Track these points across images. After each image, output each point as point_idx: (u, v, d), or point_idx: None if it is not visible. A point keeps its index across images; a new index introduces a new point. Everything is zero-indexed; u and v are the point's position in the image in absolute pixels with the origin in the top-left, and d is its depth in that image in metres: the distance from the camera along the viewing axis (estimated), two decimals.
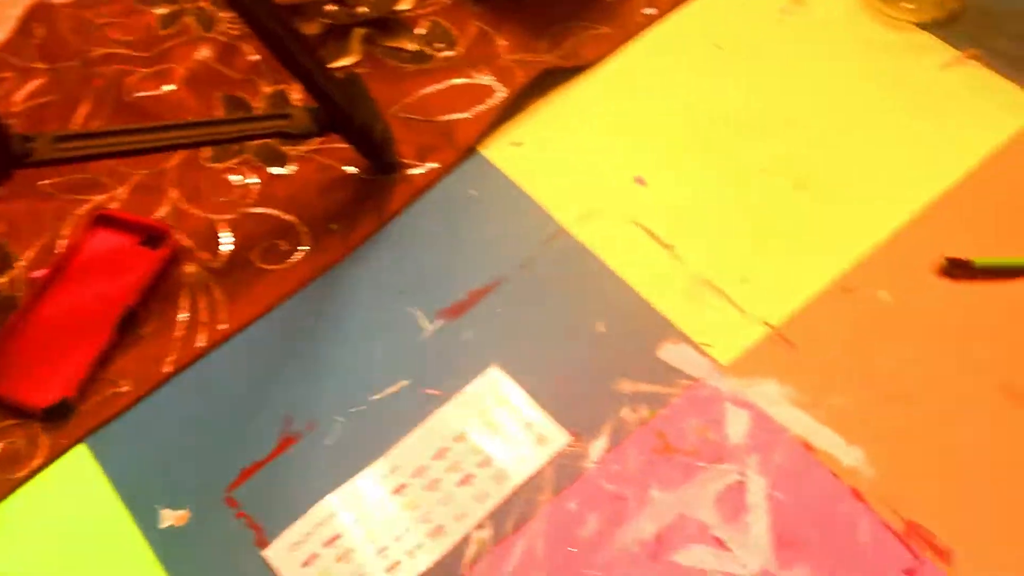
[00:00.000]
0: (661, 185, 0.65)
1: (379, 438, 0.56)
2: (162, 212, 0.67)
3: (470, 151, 0.68)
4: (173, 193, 0.68)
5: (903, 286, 0.59)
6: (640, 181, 0.65)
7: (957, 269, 0.59)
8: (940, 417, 0.54)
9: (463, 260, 0.63)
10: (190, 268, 0.64)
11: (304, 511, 0.54)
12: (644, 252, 0.62)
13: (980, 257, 0.59)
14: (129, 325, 0.62)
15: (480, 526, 0.53)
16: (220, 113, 0.72)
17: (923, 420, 0.54)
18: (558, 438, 0.55)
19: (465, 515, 0.53)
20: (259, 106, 0.72)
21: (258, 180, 0.68)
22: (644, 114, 0.69)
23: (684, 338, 0.58)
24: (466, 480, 0.54)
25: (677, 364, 0.57)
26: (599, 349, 0.58)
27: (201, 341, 0.61)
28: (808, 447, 0.54)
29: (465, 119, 0.68)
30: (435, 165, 0.67)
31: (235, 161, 0.69)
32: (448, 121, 0.69)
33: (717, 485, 0.53)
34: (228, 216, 0.67)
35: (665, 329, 0.59)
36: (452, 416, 0.57)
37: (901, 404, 0.55)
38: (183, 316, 0.62)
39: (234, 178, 0.68)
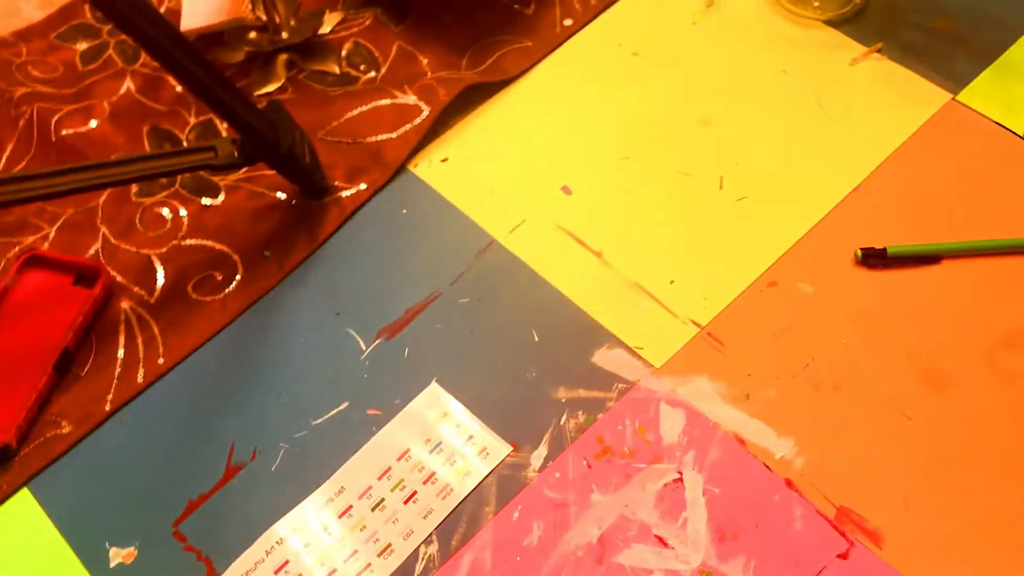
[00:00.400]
0: (587, 193, 0.66)
1: (323, 461, 0.57)
2: (93, 250, 0.67)
3: (399, 170, 0.69)
4: (104, 230, 0.68)
5: (824, 278, 0.61)
6: (566, 190, 0.67)
7: (872, 259, 0.61)
8: (865, 403, 0.56)
9: (398, 278, 0.64)
10: (125, 304, 0.64)
11: (253, 540, 0.54)
12: (574, 260, 0.64)
13: (893, 246, 0.61)
14: (67, 365, 0.62)
15: (428, 542, 0.54)
16: (147, 147, 0.72)
17: (849, 407, 0.56)
18: (499, 450, 0.56)
19: (412, 532, 0.54)
20: (187, 137, 0.72)
21: (188, 212, 0.68)
22: (567, 124, 0.70)
23: (618, 342, 0.60)
24: (411, 498, 0.55)
25: (612, 368, 0.59)
26: (536, 358, 0.60)
27: (140, 377, 0.61)
28: (741, 441, 0.56)
29: (392, 139, 0.69)
30: (364, 186, 0.68)
31: (165, 194, 0.69)
32: (376, 142, 0.69)
33: (656, 485, 0.55)
34: (161, 250, 0.67)
35: (599, 335, 0.60)
36: (394, 434, 0.57)
37: (827, 393, 0.57)
38: (121, 353, 0.62)
39: (164, 211, 0.68)
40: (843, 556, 0.51)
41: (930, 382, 0.57)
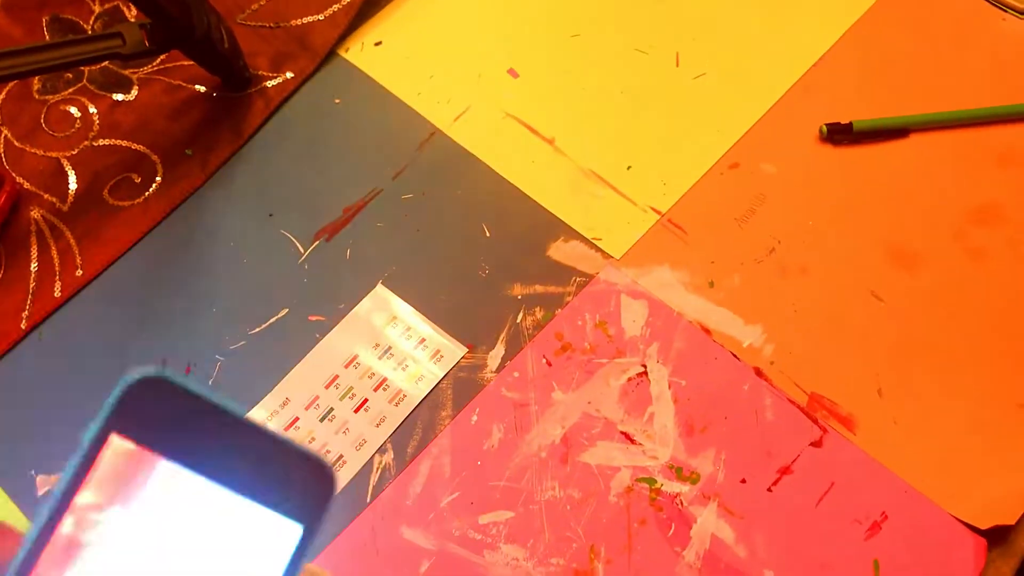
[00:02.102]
0: (535, 76, 0.62)
1: (264, 373, 0.53)
2: None
3: (329, 56, 0.63)
4: (5, 132, 0.61)
5: (787, 157, 0.58)
6: (513, 73, 0.62)
7: (837, 135, 0.58)
8: (834, 286, 0.54)
9: (334, 174, 0.59)
10: (36, 213, 0.59)
11: None
12: (525, 148, 0.59)
13: (859, 120, 0.58)
14: None
15: (382, 451, 0.51)
16: (47, 38, 0.65)
17: (817, 290, 0.54)
18: (454, 352, 0.53)
19: (365, 442, 0.51)
20: (92, 27, 0.65)
21: (99, 110, 0.62)
22: (511, 1, 0.65)
23: (574, 234, 0.56)
24: (362, 406, 0.52)
25: (569, 262, 0.56)
26: (488, 254, 0.56)
27: (58, 291, 0.56)
28: (706, 331, 0.53)
29: (319, 21, 0.63)
30: (291, 75, 0.62)
31: (71, 91, 0.63)
32: (301, 25, 0.63)
33: (619, 380, 0.52)
34: (71, 152, 0.61)
35: (554, 227, 0.57)
36: (340, 341, 0.54)
37: (795, 276, 0.54)
38: (34, 266, 0.57)
39: (72, 110, 0.62)
40: (816, 444, 0.50)
41: (900, 261, 0.54)
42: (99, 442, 0.23)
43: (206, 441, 0.23)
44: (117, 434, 0.23)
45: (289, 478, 0.24)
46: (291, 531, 0.24)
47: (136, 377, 0.24)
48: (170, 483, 0.23)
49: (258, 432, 0.24)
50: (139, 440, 0.23)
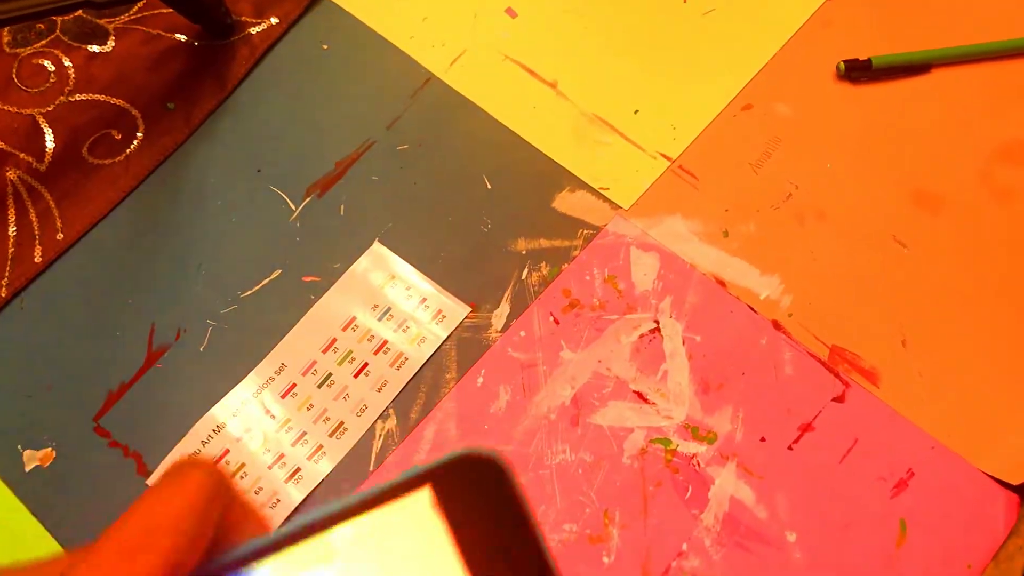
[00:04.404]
0: (535, 14, 0.58)
1: (258, 337, 0.50)
2: None
3: None
4: None
5: (803, 97, 0.55)
6: (511, 12, 0.58)
7: (855, 72, 0.55)
8: (854, 232, 0.51)
9: (325, 126, 0.56)
10: (11, 174, 0.56)
11: (186, 430, 0.48)
12: (526, 93, 0.56)
13: (878, 56, 0.55)
14: None
15: (384, 417, 0.48)
16: None
17: (837, 238, 0.51)
18: (457, 311, 0.50)
19: (366, 408, 0.48)
20: None
21: (74, 63, 0.58)
22: None
23: (580, 184, 0.53)
24: (362, 370, 0.49)
25: (576, 213, 0.53)
26: (490, 207, 0.53)
27: (38, 255, 0.53)
28: (721, 283, 0.50)
29: None
30: (276, 20, 0.58)
31: (43, 43, 0.59)
32: None
33: (631, 337, 0.50)
34: (46, 108, 0.57)
35: (558, 176, 0.54)
36: (337, 302, 0.51)
37: (813, 223, 0.52)
38: (12, 230, 0.54)
39: (46, 63, 0.59)
40: (838, 399, 0.47)
41: (923, 204, 0.52)
42: (409, 486, 0.21)
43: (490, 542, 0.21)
44: (432, 488, 0.21)
45: None
46: None
47: (472, 452, 0.21)
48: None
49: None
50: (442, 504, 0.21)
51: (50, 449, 0.48)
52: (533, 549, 0.21)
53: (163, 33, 0.59)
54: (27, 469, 0.48)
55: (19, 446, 0.49)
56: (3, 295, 0.52)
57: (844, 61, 0.55)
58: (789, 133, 0.54)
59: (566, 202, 0.53)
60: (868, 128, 0.54)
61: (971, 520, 0.45)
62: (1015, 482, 0.45)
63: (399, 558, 0.21)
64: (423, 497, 0.21)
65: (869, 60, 0.55)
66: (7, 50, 0.59)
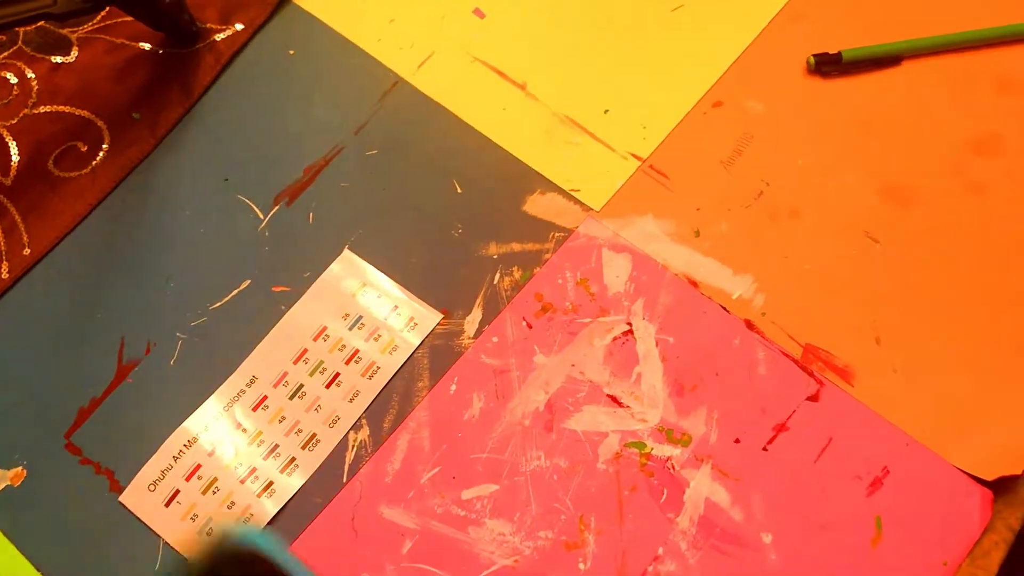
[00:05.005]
0: (503, 15, 0.58)
1: (228, 349, 0.50)
2: None
3: (281, 3, 0.59)
4: None
5: (774, 93, 0.54)
6: (479, 13, 0.58)
7: (826, 66, 0.54)
8: (826, 229, 0.51)
9: (292, 132, 0.55)
10: None
11: (158, 445, 0.48)
12: (495, 94, 0.56)
13: (848, 49, 0.54)
14: None
15: (357, 428, 0.48)
16: None
17: (809, 235, 0.51)
18: (429, 318, 0.50)
19: (338, 419, 0.48)
20: None
21: (37, 74, 0.58)
22: None
23: (551, 186, 0.53)
24: (334, 381, 0.49)
25: (546, 216, 0.52)
26: (460, 212, 0.53)
27: (5, 272, 0.53)
28: (694, 283, 0.50)
29: None
30: (241, 26, 0.58)
31: (5, 55, 0.58)
32: None
33: (604, 340, 0.49)
34: (10, 122, 0.57)
35: (529, 179, 0.53)
36: (307, 312, 0.51)
37: (785, 221, 0.51)
38: None
39: (9, 76, 0.58)
40: (813, 398, 0.47)
41: (895, 199, 0.51)
42: None
43: None
44: None
45: None
46: None
47: (231, 544, 0.21)
48: None
49: None
50: None
51: (21, 468, 0.48)
52: None
53: (127, 42, 0.58)
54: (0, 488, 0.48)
55: None
56: None
57: (814, 55, 0.54)
58: (760, 129, 0.54)
59: (537, 205, 0.53)
60: (839, 122, 0.53)
61: (947, 517, 0.45)
62: (990, 478, 0.45)
63: None
64: None
65: (839, 54, 0.54)
66: None
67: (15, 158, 0.56)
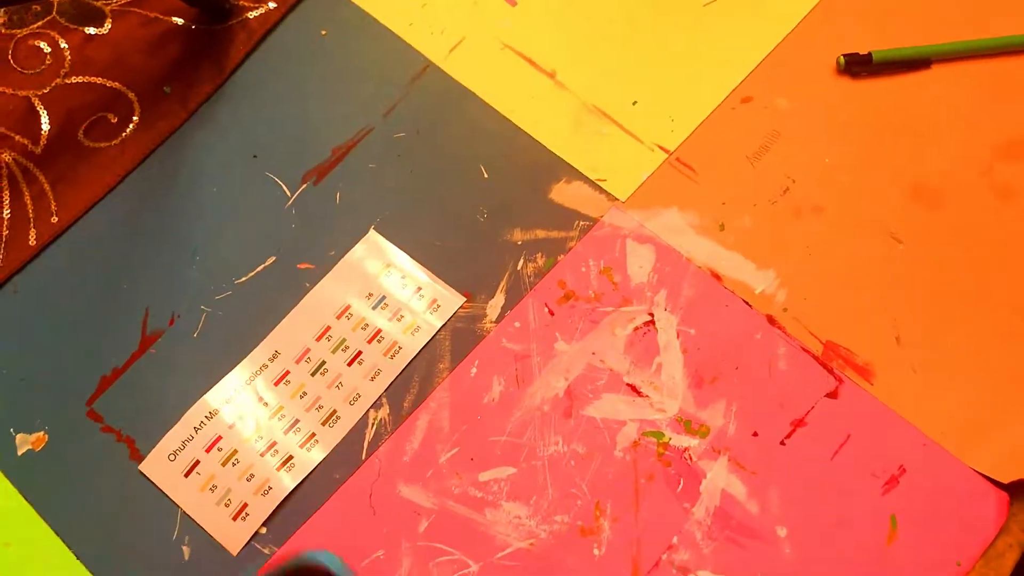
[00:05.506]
0: (534, 3, 0.58)
1: (252, 324, 0.50)
2: None
3: None
4: None
5: (803, 91, 0.55)
6: (511, 1, 0.58)
7: (856, 66, 0.55)
8: (851, 228, 0.51)
9: (322, 112, 0.56)
10: (6, 156, 0.55)
11: (178, 416, 0.48)
12: (524, 82, 0.56)
13: (879, 50, 0.54)
14: None
15: (377, 406, 0.48)
16: None
17: (834, 233, 0.51)
18: (452, 301, 0.50)
19: (359, 397, 0.48)
20: None
21: (70, 44, 0.58)
22: None
23: (577, 175, 0.53)
24: (356, 359, 0.49)
25: (572, 204, 0.53)
26: (486, 197, 0.53)
27: (32, 239, 0.53)
28: (717, 276, 0.50)
29: None
30: (275, 4, 0.58)
31: (39, 24, 0.59)
32: None
33: (625, 329, 0.50)
34: (42, 91, 0.57)
35: (556, 167, 0.53)
36: (331, 290, 0.51)
37: (809, 218, 0.51)
38: (7, 213, 0.54)
39: (42, 45, 0.58)
40: (832, 395, 0.47)
41: (922, 201, 0.51)
42: None
43: None
44: None
45: None
46: None
47: (303, 560, 0.23)
48: None
49: None
50: None
51: (43, 433, 0.48)
52: None
53: (161, 16, 0.58)
54: (19, 453, 0.48)
55: (11, 429, 0.49)
56: (1, 276, 0.52)
57: (844, 55, 0.54)
58: (788, 127, 0.54)
59: (563, 193, 0.53)
60: (867, 123, 0.53)
61: (961, 518, 0.45)
62: (1005, 481, 0.45)
63: None
64: None
65: (870, 54, 0.54)
66: (2, 31, 0.59)
67: (46, 127, 0.56)
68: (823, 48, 0.55)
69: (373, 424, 0.48)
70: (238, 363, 0.49)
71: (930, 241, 0.50)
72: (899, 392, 0.47)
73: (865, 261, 0.50)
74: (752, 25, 0.56)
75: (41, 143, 0.56)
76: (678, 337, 0.49)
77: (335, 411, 0.48)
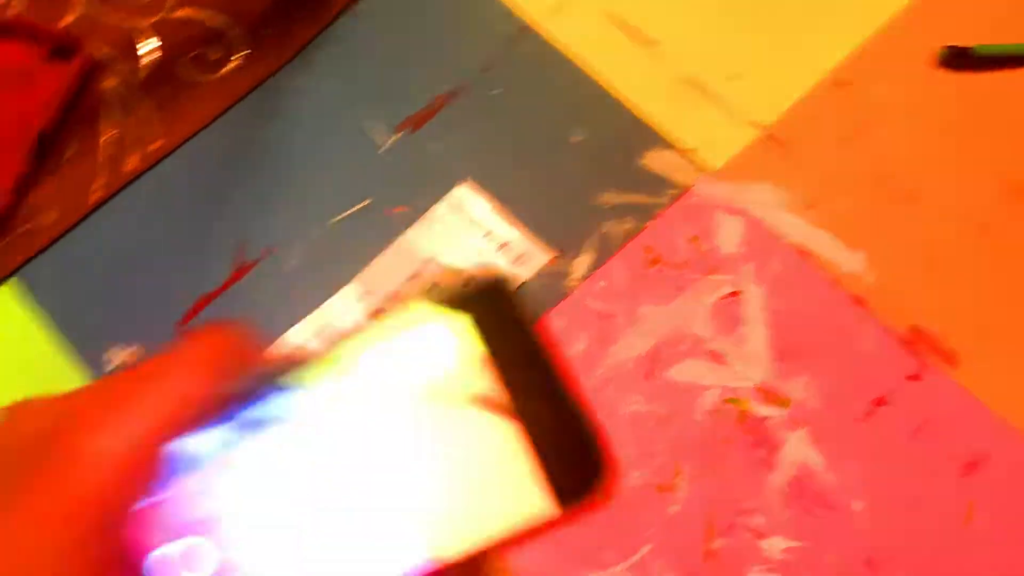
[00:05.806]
0: None
1: (344, 262, 0.51)
2: (70, 19, 0.58)
3: None
4: None
5: (900, 78, 0.55)
6: None
7: (957, 58, 0.55)
8: (942, 215, 0.51)
9: (421, 65, 0.56)
10: (110, 83, 0.57)
11: (269, 343, 0.49)
12: (622, 50, 0.56)
13: (981, 45, 0.55)
14: (46, 149, 0.54)
15: None
16: None
17: (925, 219, 0.51)
18: (538, 256, 0.51)
19: None
20: None
21: None
22: None
23: (670, 144, 0.54)
24: None
25: (663, 172, 0.53)
26: (578, 160, 0.53)
27: (132, 163, 0.54)
28: (805, 254, 0.51)
29: None
30: None
31: None
32: None
33: (711, 297, 0.50)
34: (149, 21, 0.58)
35: (649, 135, 0.54)
36: (422, 237, 0.52)
37: (902, 204, 0.52)
38: (107, 137, 0.55)
39: None
40: (914, 377, 0.48)
41: (1016, 196, 0.51)
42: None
43: (518, 367, 0.23)
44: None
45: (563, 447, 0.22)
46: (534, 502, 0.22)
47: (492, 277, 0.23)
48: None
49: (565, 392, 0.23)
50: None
51: (137, 347, 0.50)
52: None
53: None
54: (113, 365, 0.49)
55: (106, 341, 0.50)
56: (99, 196, 0.53)
57: (946, 47, 0.55)
58: (884, 113, 0.54)
59: (655, 160, 0.53)
60: (966, 116, 0.54)
61: None
62: None
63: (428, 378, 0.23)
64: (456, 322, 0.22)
65: (972, 48, 0.54)
66: None
67: (149, 57, 0.57)
68: (924, 38, 0.55)
69: None
70: (330, 297, 0.50)
71: (1021, 235, 0.51)
72: (984, 380, 0.47)
73: (956, 250, 0.50)
74: (854, 8, 0.56)
75: (144, 73, 0.57)
76: (763, 310, 0.50)
77: None
